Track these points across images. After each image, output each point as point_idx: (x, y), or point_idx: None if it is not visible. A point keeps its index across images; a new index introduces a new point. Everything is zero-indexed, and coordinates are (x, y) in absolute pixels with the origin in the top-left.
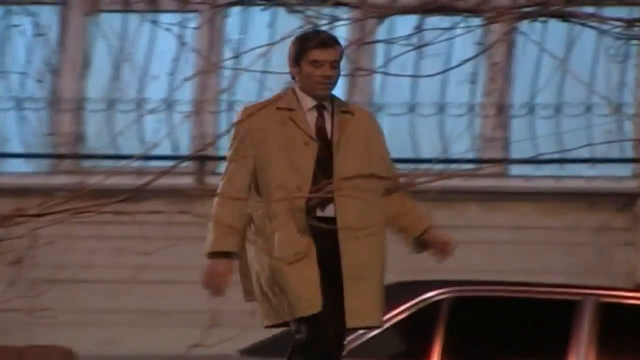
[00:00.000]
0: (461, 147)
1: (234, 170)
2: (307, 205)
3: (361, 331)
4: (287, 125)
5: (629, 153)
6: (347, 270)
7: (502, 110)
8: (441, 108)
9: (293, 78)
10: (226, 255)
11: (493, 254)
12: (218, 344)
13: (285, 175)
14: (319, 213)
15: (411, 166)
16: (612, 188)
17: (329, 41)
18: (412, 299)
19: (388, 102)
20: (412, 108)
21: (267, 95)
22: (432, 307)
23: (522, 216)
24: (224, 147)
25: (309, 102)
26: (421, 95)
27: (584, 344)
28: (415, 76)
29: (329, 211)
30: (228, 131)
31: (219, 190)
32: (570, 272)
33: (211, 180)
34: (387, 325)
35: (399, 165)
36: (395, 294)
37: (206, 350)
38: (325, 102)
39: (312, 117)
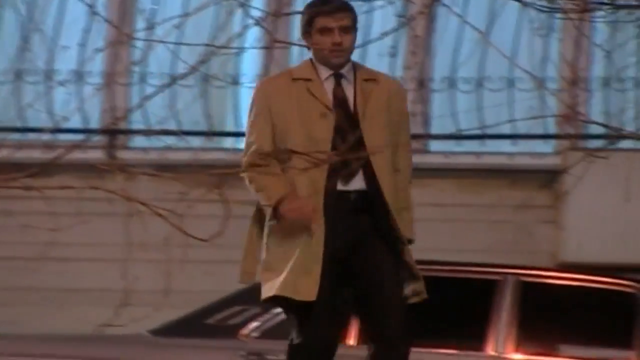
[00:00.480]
0: None
1: (256, 134)
2: (331, 175)
3: (275, 311)
4: (303, 96)
5: (552, 129)
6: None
7: (423, 84)
8: None
9: (308, 49)
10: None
11: None
12: (129, 324)
13: (303, 148)
14: (340, 187)
15: None
16: (534, 165)
17: (336, 6)
18: None
19: None
20: None
21: (180, 68)
22: None
23: (442, 193)
24: (136, 120)
25: (325, 72)
26: None
27: (505, 323)
28: None
29: (354, 184)
30: (141, 104)
31: (245, 158)
32: (491, 250)
33: (122, 154)
34: None
35: None
36: None
37: (117, 330)
38: (342, 70)
39: (330, 87)
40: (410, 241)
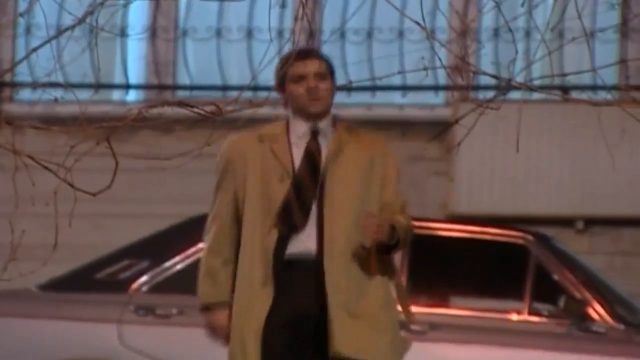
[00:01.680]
0: (271, 74)
1: (217, 205)
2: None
3: (167, 264)
4: (267, 158)
5: (442, 81)
6: (334, 302)
7: (312, 35)
8: (249, 33)
9: (284, 106)
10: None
11: None
12: (16, 279)
13: (256, 215)
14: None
15: (219, 93)
16: (425, 116)
17: (308, 52)
18: None
19: (194, 26)
20: (219, 32)
21: (67, 19)
22: None
23: None
24: (23, 73)
25: (301, 128)
26: (228, 19)
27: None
28: None
29: (301, 247)
30: (27, 56)
31: (205, 231)
32: None
33: (9, 107)
34: (192, 258)
35: (206, 93)
36: (201, 226)
37: (4, 285)
38: (321, 123)
39: (303, 144)
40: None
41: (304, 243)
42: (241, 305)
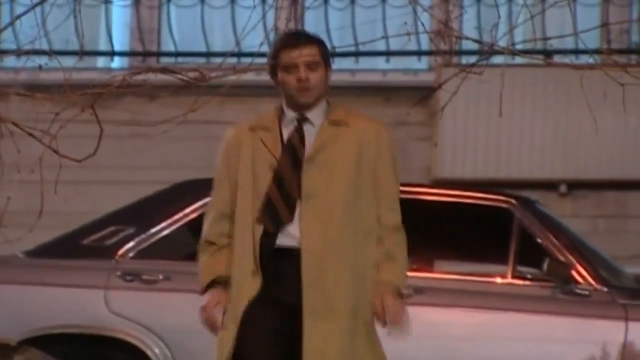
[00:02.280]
0: (255, 40)
1: (213, 198)
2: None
3: (153, 230)
4: (257, 147)
5: (426, 46)
6: (308, 308)
7: (296, 1)
8: None
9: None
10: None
11: None
12: (3, 245)
13: (247, 205)
14: (268, 245)
15: (203, 60)
16: (408, 82)
17: (299, 39)
18: (205, 197)
19: None
20: None
21: None
22: None
23: None
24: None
25: (290, 115)
26: None
27: None
28: None
29: (287, 241)
30: (11, 23)
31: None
32: None
33: None
34: (178, 224)
35: (190, 60)
36: (187, 192)
37: None
38: (309, 111)
39: (288, 134)
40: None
41: (290, 236)
42: (232, 294)
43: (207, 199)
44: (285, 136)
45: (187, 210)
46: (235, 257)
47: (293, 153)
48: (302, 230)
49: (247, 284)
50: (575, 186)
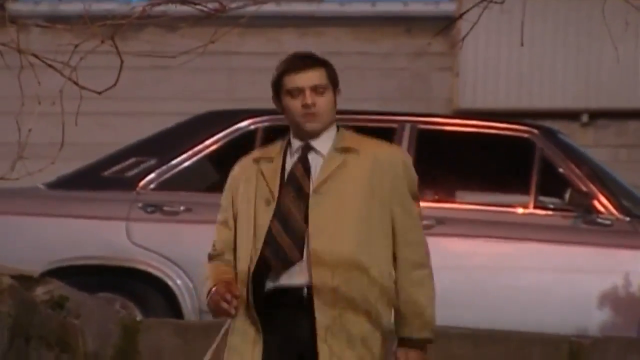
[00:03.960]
0: None
1: (217, 230)
2: (261, 268)
3: (174, 162)
4: (258, 180)
5: None
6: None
7: None
8: None
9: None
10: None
11: None
12: (24, 177)
13: (243, 242)
14: (270, 284)
15: None
16: (430, 12)
17: (304, 62)
18: (225, 128)
19: None
20: None
21: None
22: (246, 137)
23: (337, 41)
24: None
25: (296, 144)
26: None
27: None
28: None
29: (290, 279)
30: None
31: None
32: (387, 98)
33: (13, 6)
34: (199, 156)
35: None
36: (207, 123)
37: (12, 184)
38: (315, 140)
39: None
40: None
41: (296, 275)
42: (230, 341)
43: (228, 130)
44: (289, 167)
45: (208, 142)
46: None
47: (296, 185)
48: (314, 272)
49: (248, 332)
50: (597, 116)
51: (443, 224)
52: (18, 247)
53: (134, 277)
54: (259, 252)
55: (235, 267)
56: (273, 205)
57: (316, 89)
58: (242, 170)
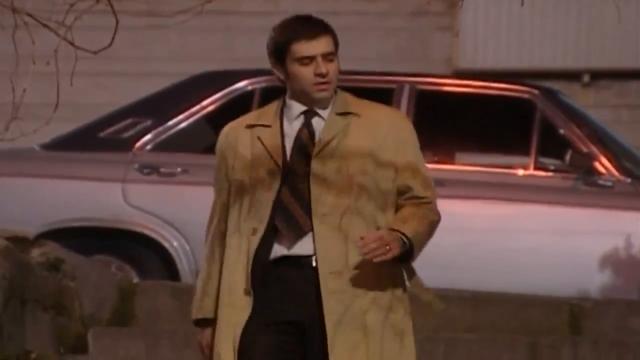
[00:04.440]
0: None
1: (212, 208)
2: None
3: (170, 122)
4: (255, 148)
5: None
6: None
7: None
8: None
9: (280, 80)
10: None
11: None
12: (19, 138)
13: (242, 212)
14: (276, 254)
15: None
16: None
17: (315, 29)
18: (223, 89)
19: None
20: None
21: None
22: (244, 97)
23: (335, 1)
24: None
25: (296, 110)
26: None
27: None
28: None
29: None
30: None
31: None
32: (386, 58)
33: None
34: (196, 117)
35: None
36: (204, 84)
37: (7, 144)
38: (320, 106)
39: (293, 133)
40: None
41: (305, 244)
42: (220, 312)
43: (225, 90)
44: (289, 133)
45: (205, 103)
46: (225, 268)
47: (304, 151)
48: (318, 245)
49: (237, 304)
50: (599, 76)
51: (442, 186)
52: (13, 209)
53: (130, 239)
54: (265, 222)
55: (227, 239)
56: (278, 174)
57: (326, 57)
58: (233, 139)
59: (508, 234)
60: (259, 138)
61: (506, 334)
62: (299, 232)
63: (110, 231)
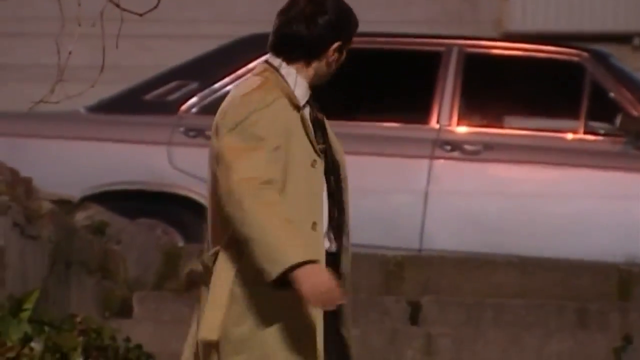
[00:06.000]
0: None
1: (267, 169)
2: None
3: (216, 85)
4: (298, 134)
5: None
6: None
7: None
8: None
9: (291, 55)
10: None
11: None
12: (64, 100)
13: (299, 203)
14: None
15: None
16: None
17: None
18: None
19: None
20: None
21: None
22: None
23: None
24: None
25: (303, 95)
26: None
27: (449, 96)
28: None
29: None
30: None
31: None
32: (434, 21)
33: None
34: (241, 80)
35: None
36: (250, 47)
37: (52, 107)
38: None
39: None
40: None
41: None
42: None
43: None
44: (309, 117)
45: (250, 66)
46: None
47: (329, 146)
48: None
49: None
50: None
51: (490, 150)
52: (58, 172)
53: (175, 202)
54: (323, 215)
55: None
56: (320, 168)
57: None
58: (286, 114)
59: (556, 199)
60: (303, 123)
61: (554, 300)
62: (341, 226)
63: (155, 194)
